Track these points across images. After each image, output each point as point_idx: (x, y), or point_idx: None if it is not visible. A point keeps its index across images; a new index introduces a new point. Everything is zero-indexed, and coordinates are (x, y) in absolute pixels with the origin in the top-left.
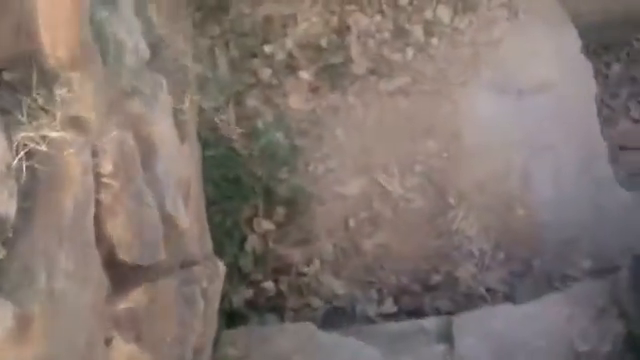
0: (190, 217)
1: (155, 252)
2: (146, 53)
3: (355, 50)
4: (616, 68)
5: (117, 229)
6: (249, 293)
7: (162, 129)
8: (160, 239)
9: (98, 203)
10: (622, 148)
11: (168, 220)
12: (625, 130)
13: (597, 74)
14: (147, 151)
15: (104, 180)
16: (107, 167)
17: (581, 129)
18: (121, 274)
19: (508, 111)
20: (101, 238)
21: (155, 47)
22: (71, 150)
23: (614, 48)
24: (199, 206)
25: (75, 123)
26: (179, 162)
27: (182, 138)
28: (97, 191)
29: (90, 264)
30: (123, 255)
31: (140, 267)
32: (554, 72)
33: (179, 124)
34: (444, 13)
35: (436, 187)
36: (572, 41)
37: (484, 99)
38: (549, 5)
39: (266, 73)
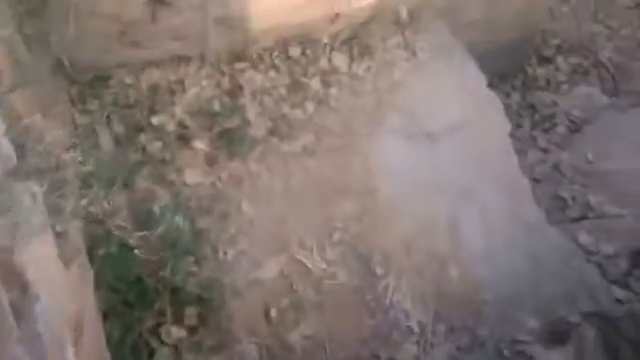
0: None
1: None
2: (11, 158)
3: (251, 111)
4: (515, 97)
5: None
6: None
7: (38, 258)
8: None
9: None
10: (535, 180)
11: None
12: (536, 161)
13: None
14: (20, 296)
15: None
16: None
17: (500, 169)
18: None
19: (422, 157)
20: None
21: (23, 144)
22: None
23: (509, 77)
24: (96, 335)
25: None
26: (64, 295)
27: (67, 261)
28: None
29: None
30: None
31: None
32: (462, 110)
33: (61, 242)
34: (340, 60)
35: (359, 255)
36: (475, 75)
37: (394, 147)
38: (445, 40)
39: (156, 147)
